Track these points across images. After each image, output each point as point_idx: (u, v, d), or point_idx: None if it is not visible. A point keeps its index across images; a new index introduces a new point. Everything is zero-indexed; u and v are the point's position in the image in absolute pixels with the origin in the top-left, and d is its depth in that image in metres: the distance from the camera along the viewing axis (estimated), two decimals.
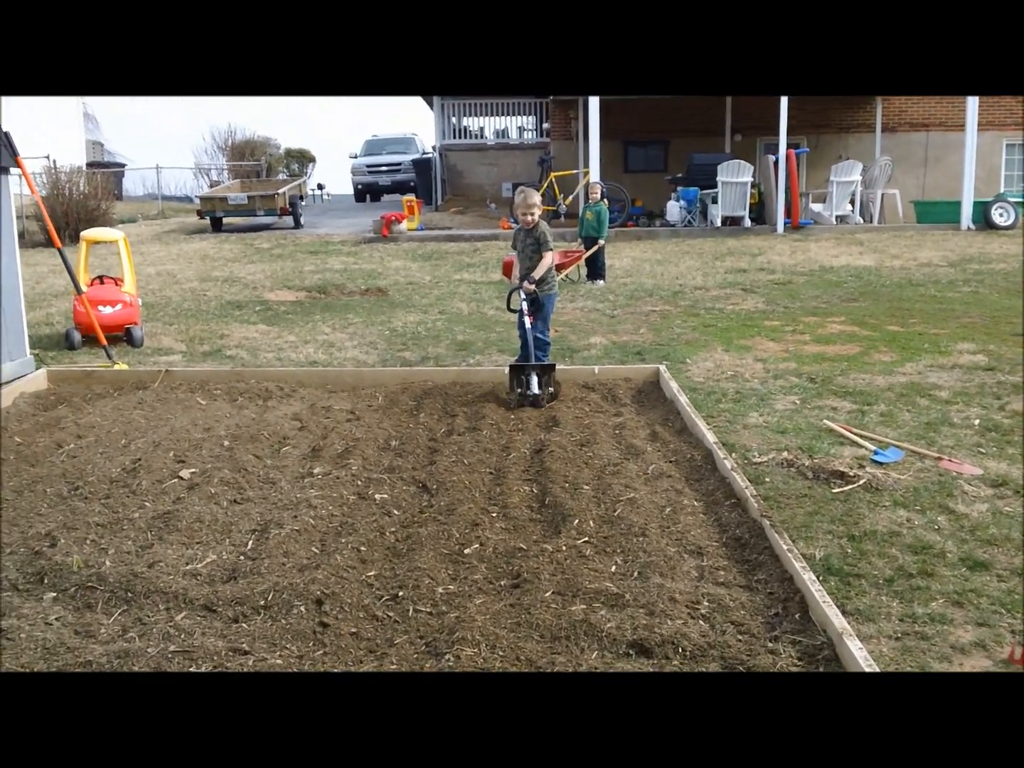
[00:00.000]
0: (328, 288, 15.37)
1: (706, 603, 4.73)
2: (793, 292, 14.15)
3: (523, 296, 8.18)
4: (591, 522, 5.69)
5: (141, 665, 4.07)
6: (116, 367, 9.56)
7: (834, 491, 6.33)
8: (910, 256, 18.23)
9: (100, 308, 10.89)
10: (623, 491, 6.15)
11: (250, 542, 5.47)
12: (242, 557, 5.27)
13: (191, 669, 4.06)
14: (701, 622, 4.56)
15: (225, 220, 27.02)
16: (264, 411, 8.21)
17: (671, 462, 6.90)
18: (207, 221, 26.69)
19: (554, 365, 7.90)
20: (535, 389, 7.68)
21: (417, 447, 7.14)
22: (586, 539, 5.46)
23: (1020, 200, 23.29)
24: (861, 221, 24.51)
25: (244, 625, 4.53)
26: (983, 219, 22.47)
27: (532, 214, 8.10)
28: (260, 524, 5.71)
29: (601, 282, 15.31)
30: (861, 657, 3.91)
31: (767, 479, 6.57)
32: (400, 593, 4.83)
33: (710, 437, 7.06)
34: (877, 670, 3.86)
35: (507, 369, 8.13)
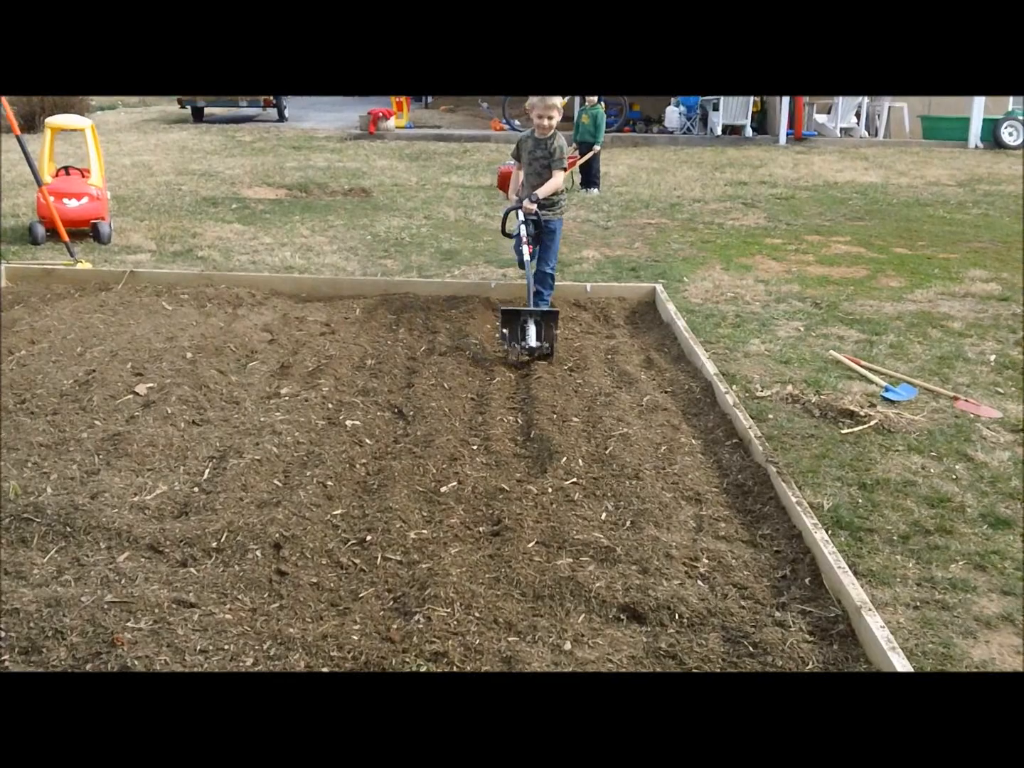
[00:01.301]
0: (309, 186, 14.62)
1: (706, 560, 4.29)
2: (796, 208, 13.52)
3: (522, 218, 6.99)
4: (580, 460, 5.21)
5: (73, 617, 3.61)
6: (78, 265, 8.93)
7: (843, 432, 5.86)
8: (917, 174, 17.53)
9: (64, 201, 10.20)
10: (615, 425, 5.67)
11: (206, 471, 4.97)
12: (196, 489, 4.78)
13: (128, 623, 3.61)
14: (700, 583, 4.12)
15: (207, 110, 25.95)
16: (233, 320, 7.65)
17: (667, 393, 6.41)
18: (188, 111, 25.59)
19: (557, 312, 6.69)
20: (532, 341, 6.49)
21: (394, 367, 6.61)
22: (574, 480, 4.99)
23: None
24: (866, 135, 23.69)
25: (192, 571, 4.07)
26: (992, 137, 21.71)
27: (551, 118, 6.88)
28: (219, 451, 5.21)
29: (595, 190, 14.62)
30: (883, 637, 3.48)
31: (770, 416, 6.10)
32: (368, 537, 4.36)
33: (709, 367, 6.56)
34: (900, 653, 3.43)
35: (499, 313, 6.92)
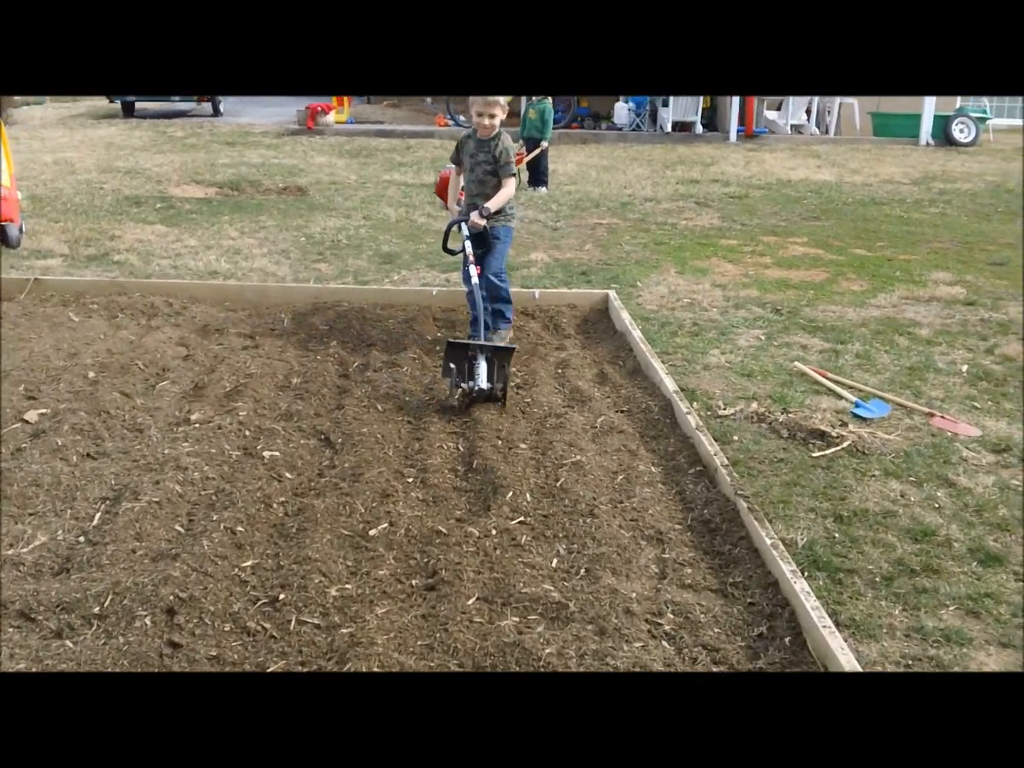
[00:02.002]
0: (241, 184, 13.88)
1: (671, 616, 3.74)
2: (750, 207, 13.07)
3: (467, 233, 6.16)
4: (528, 495, 4.64)
5: None
6: None
7: (814, 455, 5.35)
8: (871, 172, 17.21)
9: None
10: (567, 451, 5.10)
11: (96, 516, 4.32)
12: (82, 539, 4.13)
13: None
14: (665, 644, 3.57)
15: (138, 105, 24.97)
16: (145, 333, 6.96)
17: (623, 412, 5.86)
18: (118, 105, 24.61)
19: (513, 349, 5.74)
20: (482, 382, 5.46)
21: (323, 386, 5.99)
22: (521, 519, 4.42)
23: (981, 115, 22.34)
24: (817, 132, 23.41)
25: (68, 643, 3.43)
26: (943, 134, 21.52)
27: (492, 116, 6.15)
28: (114, 490, 4.56)
29: (543, 189, 14.06)
30: None
31: (735, 437, 5.57)
32: (281, 595, 3.75)
33: (668, 383, 6.02)
34: None
35: (444, 346, 5.79)
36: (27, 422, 5.21)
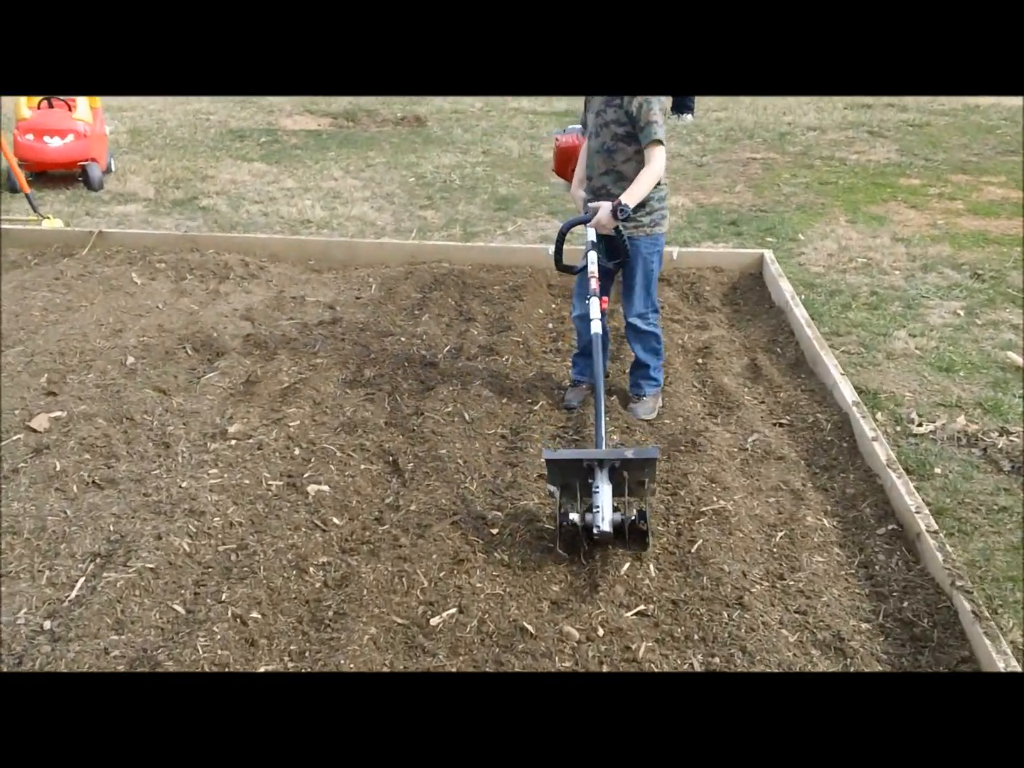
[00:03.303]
0: (357, 114, 12.72)
1: None
2: (933, 138, 11.16)
3: (592, 238, 4.23)
4: (651, 566, 3.39)
5: None
6: (44, 223, 7.28)
7: None
8: None
9: (45, 140, 8.53)
10: (707, 490, 3.82)
11: (79, 583, 3.28)
12: (49, 623, 3.09)
13: None
14: None
15: None
16: (210, 301, 5.93)
17: (782, 426, 4.50)
18: None
19: (655, 458, 3.44)
20: (604, 520, 3.30)
21: (403, 379, 4.82)
22: (640, 608, 3.17)
23: None
24: None
25: None
26: None
27: None
28: (111, 541, 3.51)
29: (689, 116, 12.37)
30: None
31: (937, 469, 4.15)
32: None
33: (845, 389, 4.60)
34: None
35: (542, 458, 3.75)
36: (33, 431, 4.21)
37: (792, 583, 3.33)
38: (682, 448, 4.18)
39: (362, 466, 4.02)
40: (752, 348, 5.38)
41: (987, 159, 10.14)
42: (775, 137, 11.17)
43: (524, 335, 5.36)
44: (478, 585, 3.28)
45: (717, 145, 10.81)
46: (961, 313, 5.99)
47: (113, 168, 9.30)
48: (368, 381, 4.78)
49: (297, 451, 4.10)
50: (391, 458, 4.11)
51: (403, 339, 5.33)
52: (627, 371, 4.82)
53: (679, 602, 3.20)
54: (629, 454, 3.38)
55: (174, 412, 4.44)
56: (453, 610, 3.16)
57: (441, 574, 3.32)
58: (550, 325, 5.69)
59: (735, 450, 4.24)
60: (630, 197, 4.08)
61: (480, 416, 4.43)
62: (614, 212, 4.07)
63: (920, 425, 4.50)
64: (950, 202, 8.52)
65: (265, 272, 6.45)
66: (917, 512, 3.54)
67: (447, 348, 5.24)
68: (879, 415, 4.60)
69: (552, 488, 3.44)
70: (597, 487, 3.37)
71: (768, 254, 6.46)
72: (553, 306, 5.97)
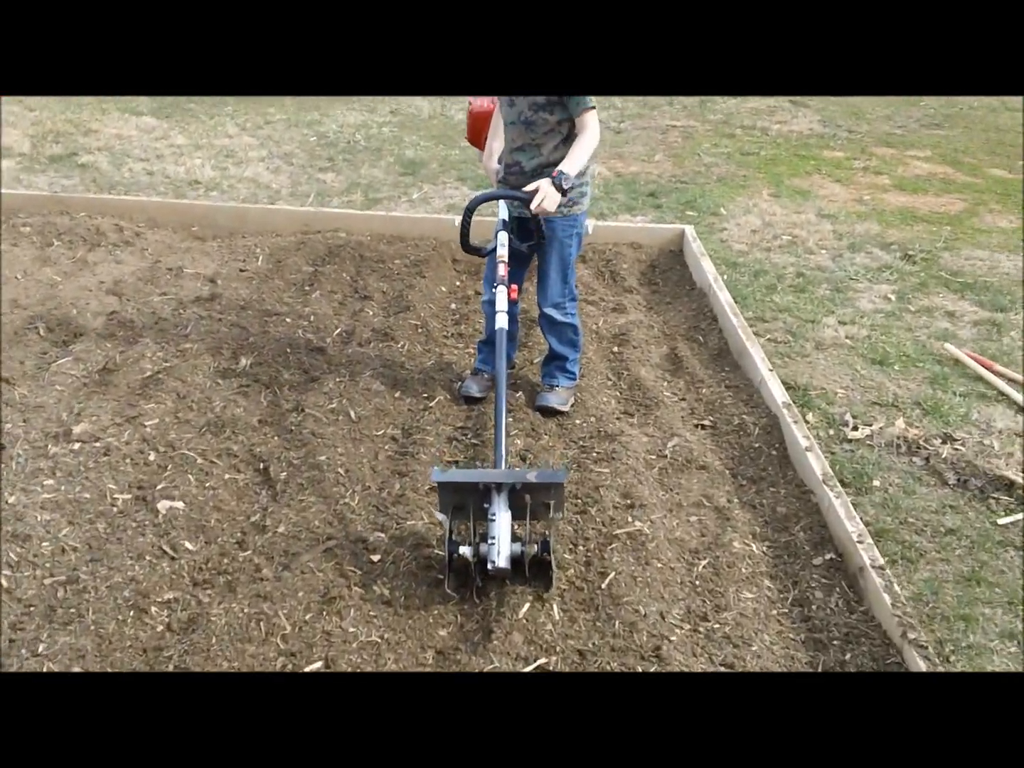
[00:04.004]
0: None
1: None
2: (856, 109, 10.83)
3: (503, 216, 3.80)
4: (555, 604, 2.92)
5: None
6: None
7: (1000, 522, 3.54)
8: None
9: None
10: (621, 507, 3.37)
11: None
12: None
13: None
14: None
15: None
16: (77, 271, 5.28)
17: (705, 428, 4.08)
18: None
19: (561, 483, 2.93)
20: (501, 557, 2.82)
21: (282, 370, 4.26)
22: (541, 660, 2.71)
23: None
24: None
25: None
26: None
27: None
28: None
29: None
30: None
31: (876, 482, 3.77)
32: None
33: (774, 387, 4.19)
34: None
35: (433, 478, 2.95)
36: None
37: (717, 626, 2.90)
38: (594, 455, 3.73)
39: (227, 475, 3.47)
40: (672, 335, 4.94)
41: (912, 132, 9.85)
42: (695, 104, 10.73)
43: (424, 317, 4.83)
44: (351, 630, 2.78)
45: (636, 111, 10.33)
46: (892, 298, 5.64)
47: None
48: (244, 371, 4.21)
49: (152, 456, 3.53)
50: (262, 465, 3.57)
51: (288, 319, 4.77)
52: (536, 361, 4.34)
53: (586, 653, 2.75)
54: (532, 477, 2.89)
55: (15, 406, 3.83)
56: (318, 663, 2.66)
57: (307, 616, 2.81)
58: (453, 306, 5.18)
59: (653, 457, 3.80)
60: (570, 165, 3.52)
61: (368, 414, 3.91)
62: (558, 187, 3.48)
63: (856, 429, 4.12)
64: (876, 176, 8.19)
65: (141, 239, 5.79)
66: (859, 542, 3.14)
67: (337, 331, 4.70)
68: (810, 415, 4.20)
69: (441, 516, 2.94)
70: (494, 514, 2.88)
71: (689, 230, 6.02)
72: (457, 283, 5.46)
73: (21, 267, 5.30)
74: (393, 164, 7.93)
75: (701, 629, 2.89)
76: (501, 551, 2.83)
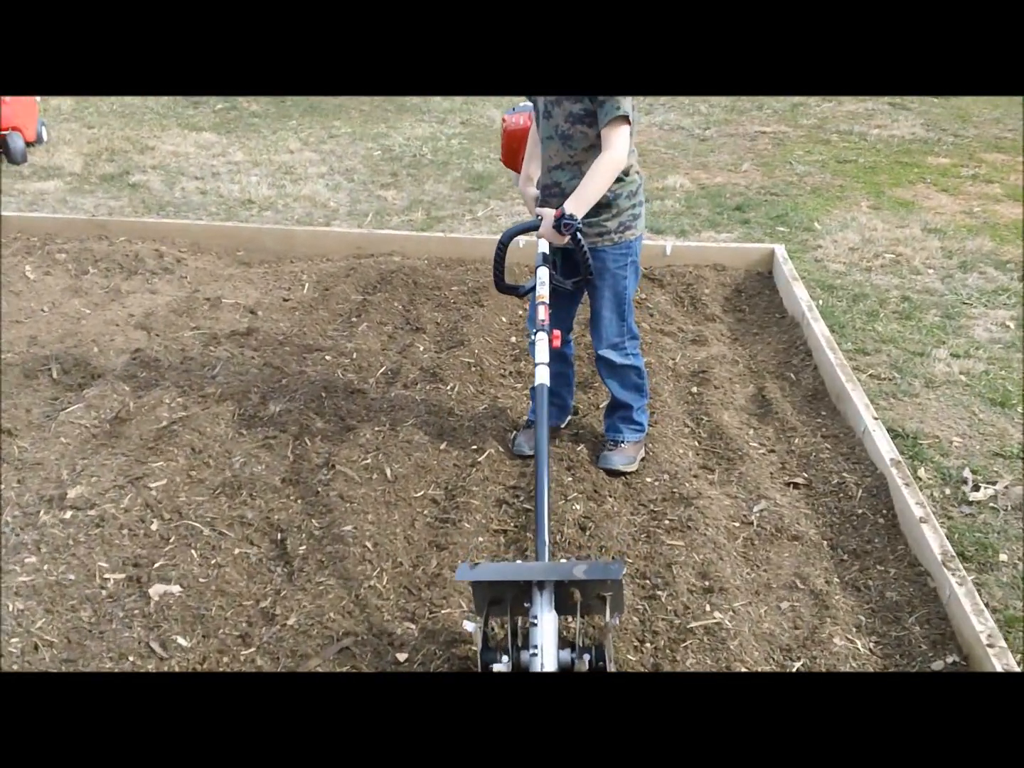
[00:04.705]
0: None
1: None
2: (961, 111, 10.05)
3: (543, 251, 3.19)
4: None
5: None
6: None
7: None
8: None
9: None
10: (697, 590, 2.81)
11: None
12: None
13: None
14: None
15: None
16: (108, 302, 4.91)
17: (799, 487, 3.49)
18: None
19: (616, 578, 2.32)
20: (548, 660, 2.28)
21: (314, 417, 3.80)
22: None
23: None
24: None
25: None
26: None
27: None
28: None
29: None
30: None
31: (1003, 556, 3.15)
32: None
33: (879, 438, 3.57)
34: None
35: (458, 576, 2.38)
36: None
37: None
38: (667, 523, 3.17)
39: (237, 549, 3.01)
40: (759, 372, 4.35)
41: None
42: (786, 108, 10.06)
43: (478, 353, 4.33)
44: None
45: (722, 116, 9.71)
46: (1011, 325, 4.96)
47: (45, 138, 8.25)
48: (271, 418, 3.76)
49: (155, 525, 3.09)
50: (279, 536, 3.10)
51: (329, 356, 4.31)
52: (603, 405, 3.80)
53: None
54: (580, 573, 2.35)
55: (12, 463, 3.43)
56: None
57: None
58: (513, 339, 4.66)
59: (736, 525, 3.23)
60: (577, 203, 3.01)
61: (406, 472, 3.42)
62: (557, 226, 3.00)
63: (976, 488, 3.48)
64: (986, 185, 7.45)
65: (182, 266, 5.41)
66: (989, 646, 2.53)
67: (382, 370, 4.22)
68: (921, 470, 3.59)
69: (471, 627, 2.41)
70: (535, 616, 2.35)
71: (780, 250, 5.41)
72: (520, 313, 4.95)
73: (50, 298, 4.96)
74: (460, 179, 7.47)
75: None
76: (545, 663, 2.30)
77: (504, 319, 4.84)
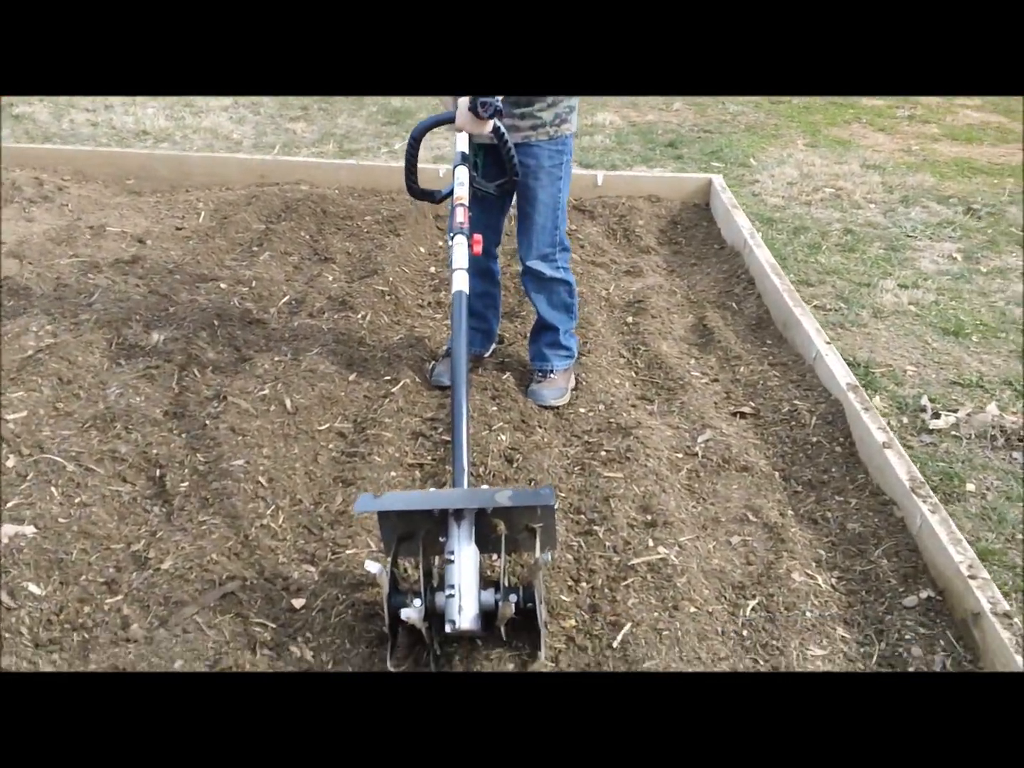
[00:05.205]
0: None
1: None
2: None
3: (462, 150, 2.73)
4: (553, 662, 2.02)
5: None
6: None
7: None
8: None
9: None
10: (639, 524, 2.48)
11: None
12: None
13: None
14: None
15: None
16: None
17: (745, 417, 3.17)
18: None
19: (548, 504, 1.97)
20: (463, 615, 1.93)
21: (210, 344, 3.36)
22: None
23: None
24: None
25: None
26: None
27: None
28: None
29: None
30: None
31: (970, 485, 2.87)
32: None
33: (833, 362, 3.27)
34: None
35: (357, 508, 2.02)
36: None
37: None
38: (603, 455, 2.82)
39: (107, 488, 2.58)
40: (699, 303, 4.03)
41: None
42: None
43: (393, 282, 3.93)
44: None
45: None
46: (958, 257, 4.71)
47: None
48: (154, 348, 3.31)
49: (11, 462, 2.63)
50: (158, 472, 2.67)
51: (225, 285, 3.87)
52: (527, 335, 3.43)
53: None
54: (504, 499, 1.98)
55: None
56: None
57: None
58: (432, 269, 4.27)
59: (680, 456, 2.90)
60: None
61: (309, 403, 3.01)
62: (474, 108, 2.58)
63: (937, 416, 3.20)
64: (923, 125, 7.24)
65: (63, 194, 4.89)
66: (971, 576, 2.22)
67: (284, 300, 3.80)
68: (876, 399, 3.29)
69: (375, 568, 2.02)
70: (451, 552, 1.98)
71: (718, 180, 5.08)
72: (440, 244, 4.55)
73: None
74: (376, 113, 7.00)
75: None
76: (464, 606, 1.94)
77: (423, 249, 4.44)
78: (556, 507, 2.38)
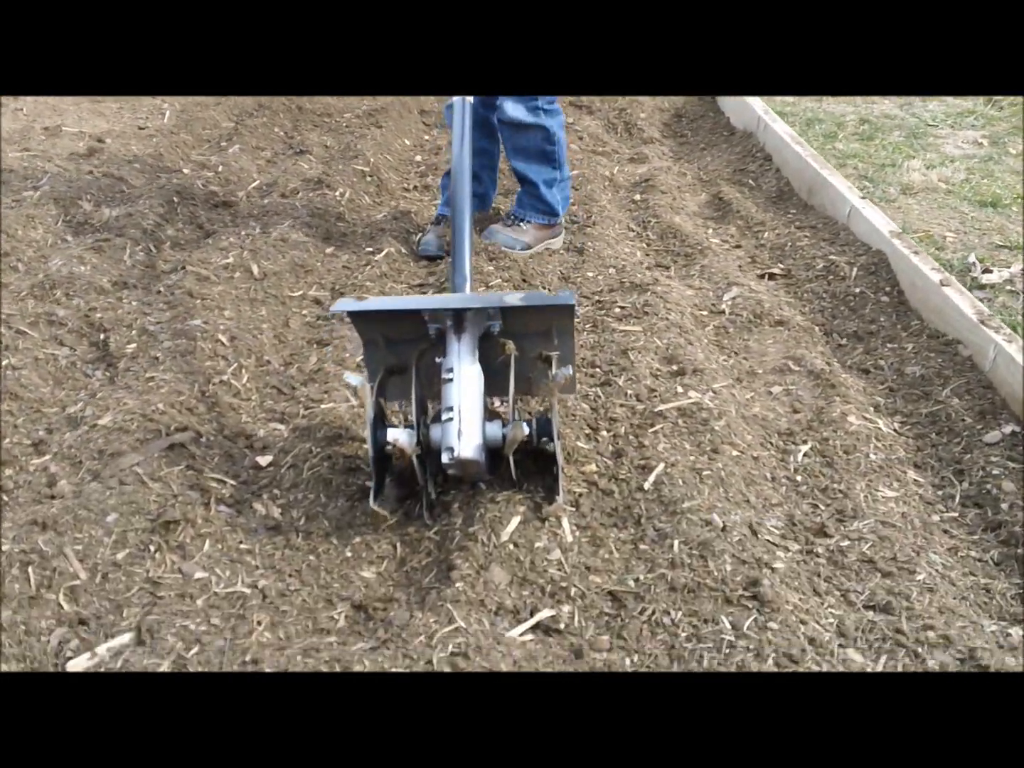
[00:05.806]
0: None
1: None
2: None
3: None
4: (564, 521, 1.66)
5: None
6: None
7: None
8: None
9: None
10: (663, 374, 2.13)
11: None
12: None
13: None
14: None
15: None
16: None
17: (774, 278, 2.81)
18: None
19: (568, 304, 1.63)
20: (465, 443, 1.58)
21: (170, 222, 2.99)
22: (546, 612, 1.45)
23: None
24: None
25: None
26: None
27: None
28: None
29: None
30: None
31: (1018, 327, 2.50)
32: None
33: (872, 215, 2.90)
34: None
35: (334, 308, 1.68)
36: None
37: (847, 543, 1.65)
38: (617, 311, 2.46)
39: (41, 351, 2.20)
40: (712, 181, 3.66)
41: None
42: None
43: (376, 164, 3.55)
44: (198, 576, 1.54)
45: None
46: (984, 142, 4.34)
47: None
48: (106, 223, 2.93)
49: None
50: (101, 337, 2.30)
51: (187, 171, 3.49)
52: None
53: (625, 597, 1.49)
54: (516, 300, 1.61)
55: None
56: (126, 637, 1.42)
57: (119, 555, 1.57)
58: (418, 158, 3.89)
59: (704, 313, 2.54)
60: None
61: (280, 270, 2.64)
62: None
63: (989, 271, 2.83)
64: None
65: (17, 99, 4.49)
66: None
67: (254, 184, 3.42)
68: (918, 251, 2.93)
69: (355, 380, 1.65)
70: (450, 369, 1.62)
71: None
72: (426, 138, 4.18)
73: None
74: None
75: (820, 550, 1.64)
76: (465, 432, 1.57)
77: (407, 141, 4.06)
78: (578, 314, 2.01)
